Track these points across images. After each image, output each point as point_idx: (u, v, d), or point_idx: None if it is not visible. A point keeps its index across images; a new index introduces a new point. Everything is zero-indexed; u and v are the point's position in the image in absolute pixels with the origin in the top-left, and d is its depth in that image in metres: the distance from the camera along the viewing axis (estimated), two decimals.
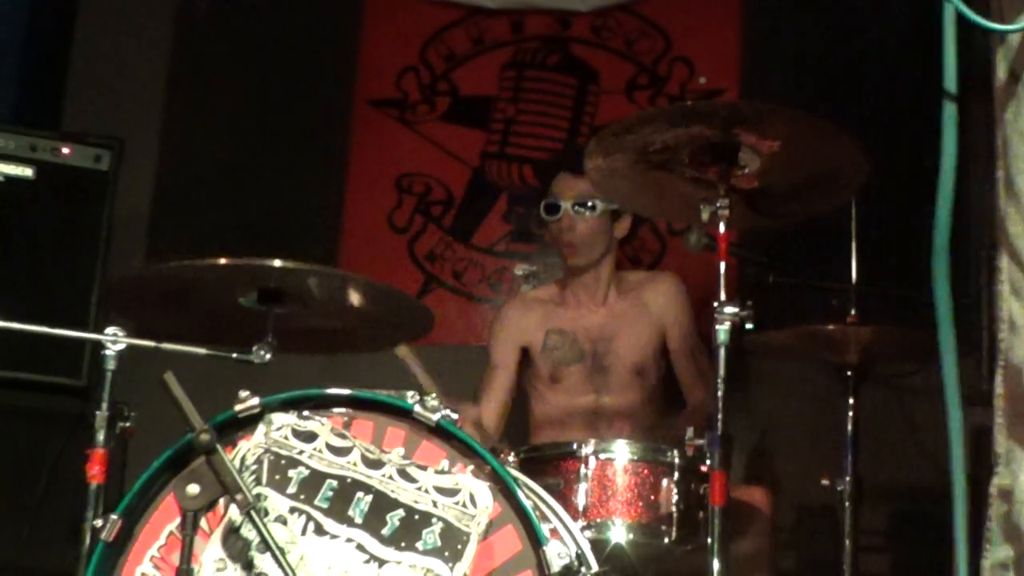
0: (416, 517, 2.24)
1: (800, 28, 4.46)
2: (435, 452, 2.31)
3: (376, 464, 2.29)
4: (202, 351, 2.56)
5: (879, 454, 3.44)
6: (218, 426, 2.24)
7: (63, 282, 3.56)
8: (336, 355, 2.98)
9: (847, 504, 3.13)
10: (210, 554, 2.24)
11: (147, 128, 4.62)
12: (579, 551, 2.38)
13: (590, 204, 3.52)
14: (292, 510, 2.25)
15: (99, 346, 2.54)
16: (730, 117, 2.58)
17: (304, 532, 2.23)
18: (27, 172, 3.59)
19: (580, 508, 2.70)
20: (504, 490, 2.27)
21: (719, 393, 2.53)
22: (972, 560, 1.91)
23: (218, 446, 2.11)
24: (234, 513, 2.21)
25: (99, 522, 2.31)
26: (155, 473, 2.32)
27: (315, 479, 2.27)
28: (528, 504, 2.27)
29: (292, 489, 2.27)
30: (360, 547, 2.22)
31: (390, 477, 2.27)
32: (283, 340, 2.54)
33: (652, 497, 2.72)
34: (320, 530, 2.24)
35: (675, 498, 2.72)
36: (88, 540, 2.42)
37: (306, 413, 2.35)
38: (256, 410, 2.34)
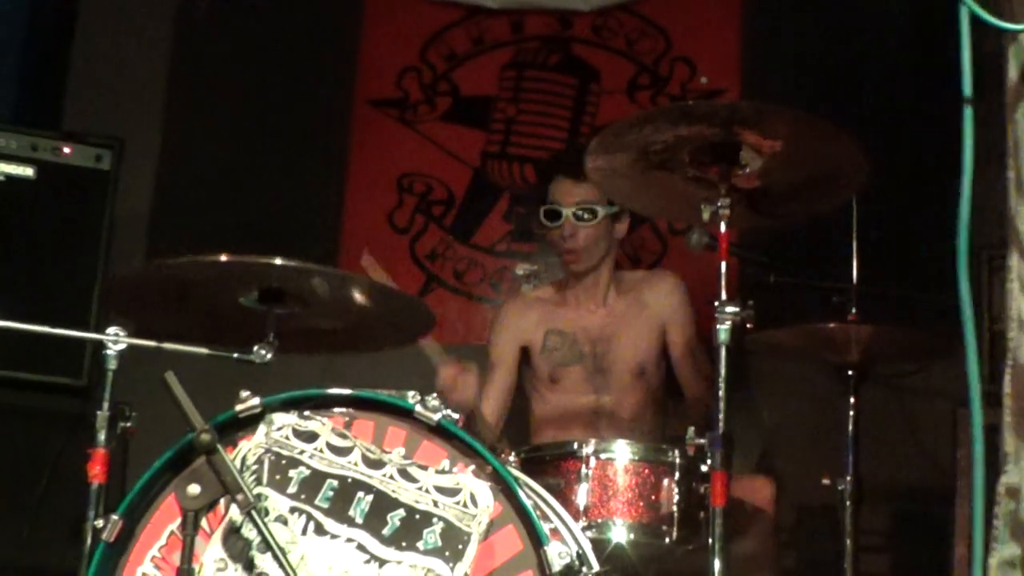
0: (417, 517, 2.24)
1: (800, 28, 4.47)
2: (436, 452, 2.31)
3: (377, 464, 2.29)
4: (203, 351, 2.56)
5: (879, 454, 3.44)
6: (219, 426, 2.24)
7: (64, 282, 3.56)
8: (337, 355, 2.98)
9: (847, 504, 3.13)
10: (211, 554, 2.24)
11: (147, 128, 4.62)
12: (580, 551, 2.38)
13: (592, 211, 3.50)
14: (293, 510, 2.25)
15: (100, 346, 2.54)
16: (731, 117, 2.58)
17: (305, 532, 2.23)
18: (28, 172, 3.59)
19: (581, 508, 2.70)
20: (505, 490, 2.27)
21: (720, 393, 2.53)
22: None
23: (219, 446, 2.11)
24: (235, 513, 2.21)
25: (100, 522, 2.31)
26: (156, 473, 2.32)
27: (316, 479, 2.27)
28: (529, 504, 2.27)
29: (293, 489, 2.27)
30: (361, 547, 2.22)
31: (391, 477, 2.27)
32: (284, 340, 2.54)
33: (653, 497, 2.72)
34: (321, 530, 2.24)
35: (676, 498, 2.72)
36: (89, 540, 2.42)
37: (307, 413, 2.35)
38: (257, 410, 2.34)
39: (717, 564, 2.48)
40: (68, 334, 2.68)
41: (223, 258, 2.42)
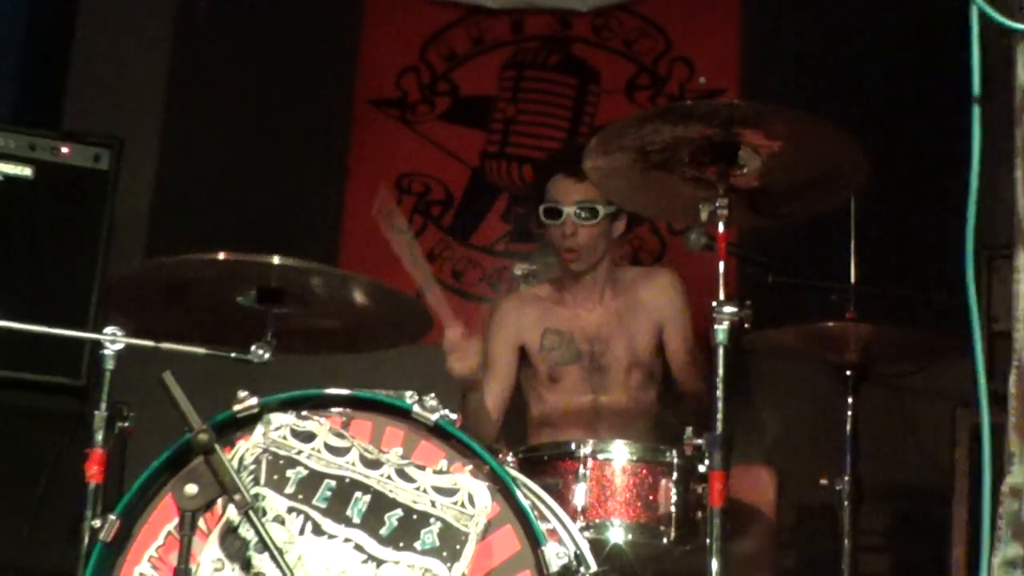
0: (414, 517, 2.23)
1: (800, 28, 4.47)
2: (433, 452, 2.31)
3: (374, 464, 2.29)
4: (201, 351, 2.56)
5: (878, 454, 3.44)
6: (217, 426, 2.24)
7: (63, 282, 3.55)
8: (335, 355, 2.98)
9: (847, 504, 3.13)
10: (208, 554, 2.24)
11: (147, 128, 4.62)
12: (578, 551, 2.38)
13: (592, 210, 3.49)
14: (290, 510, 2.24)
15: (98, 346, 2.53)
16: (730, 117, 2.58)
17: (302, 532, 2.23)
18: (27, 172, 3.59)
19: (579, 508, 2.70)
20: (503, 490, 2.27)
21: (719, 393, 2.53)
22: (974, 559, 1.92)
23: (216, 446, 2.10)
24: (232, 513, 2.21)
25: (98, 522, 2.31)
26: (154, 473, 2.32)
27: (313, 479, 2.27)
28: (527, 504, 2.27)
29: (290, 489, 2.27)
30: (358, 547, 2.22)
31: (388, 477, 2.27)
32: (282, 340, 2.54)
33: (651, 497, 2.72)
34: (318, 530, 2.23)
35: (674, 498, 2.72)
36: (87, 540, 2.42)
37: (305, 413, 2.35)
38: (255, 410, 2.34)
39: (715, 564, 2.48)
40: (67, 334, 2.68)
41: (221, 256, 2.42)
